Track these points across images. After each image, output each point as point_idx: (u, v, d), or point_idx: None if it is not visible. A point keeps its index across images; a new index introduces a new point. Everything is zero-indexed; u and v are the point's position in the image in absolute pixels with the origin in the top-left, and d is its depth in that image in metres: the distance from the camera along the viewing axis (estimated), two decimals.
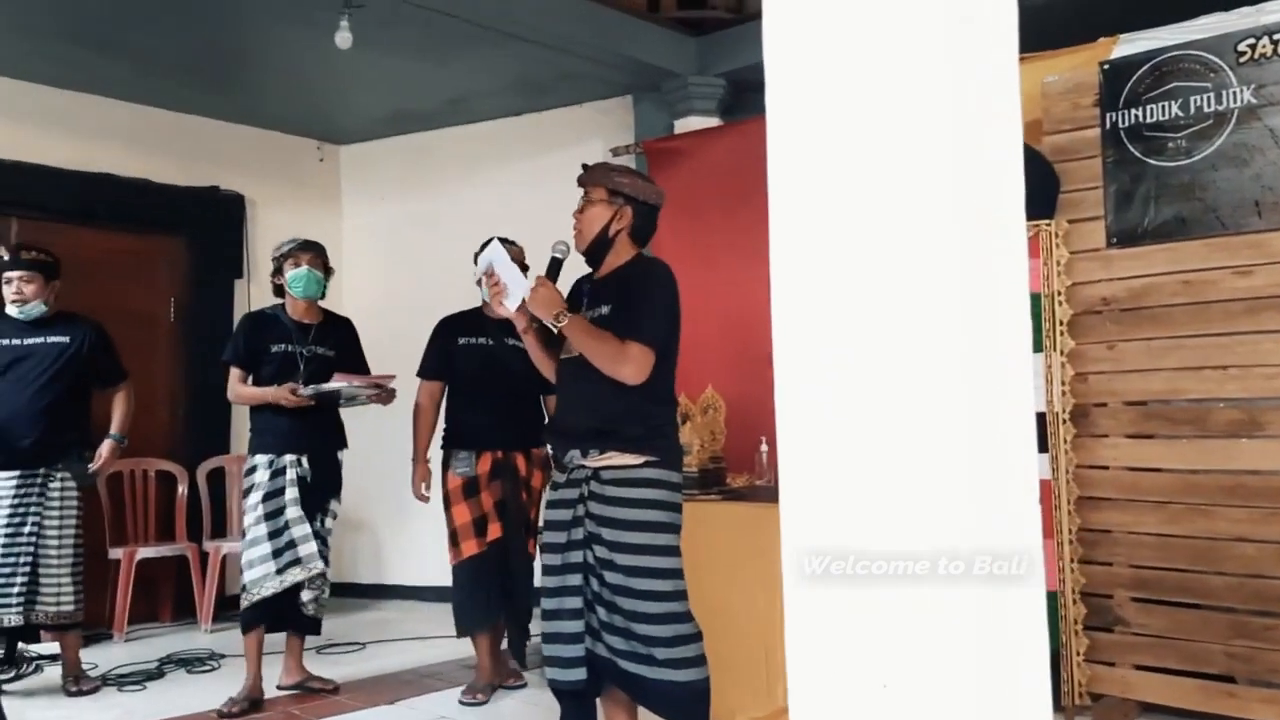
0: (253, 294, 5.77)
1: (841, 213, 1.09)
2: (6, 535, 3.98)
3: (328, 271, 4.08)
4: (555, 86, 5.55)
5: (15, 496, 4.01)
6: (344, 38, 4.33)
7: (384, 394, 3.99)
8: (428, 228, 6.17)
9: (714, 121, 5.36)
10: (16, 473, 4.03)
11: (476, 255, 3.78)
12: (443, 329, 4.11)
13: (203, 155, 5.91)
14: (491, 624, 3.99)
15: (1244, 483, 3.11)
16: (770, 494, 3.70)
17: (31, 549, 4.00)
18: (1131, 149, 3.34)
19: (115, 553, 5.19)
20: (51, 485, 4.10)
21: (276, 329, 4.00)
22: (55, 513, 4.09)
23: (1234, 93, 3.14)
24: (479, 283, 3.49)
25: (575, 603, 2.66)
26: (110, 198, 5.52)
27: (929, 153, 1.05)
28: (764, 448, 4.02)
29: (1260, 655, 3.05)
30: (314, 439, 3.97)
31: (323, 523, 3.99)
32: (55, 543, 4.07)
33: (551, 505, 2.80)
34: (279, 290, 4.06)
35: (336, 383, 3.86)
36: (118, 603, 5.12)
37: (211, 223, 5.94)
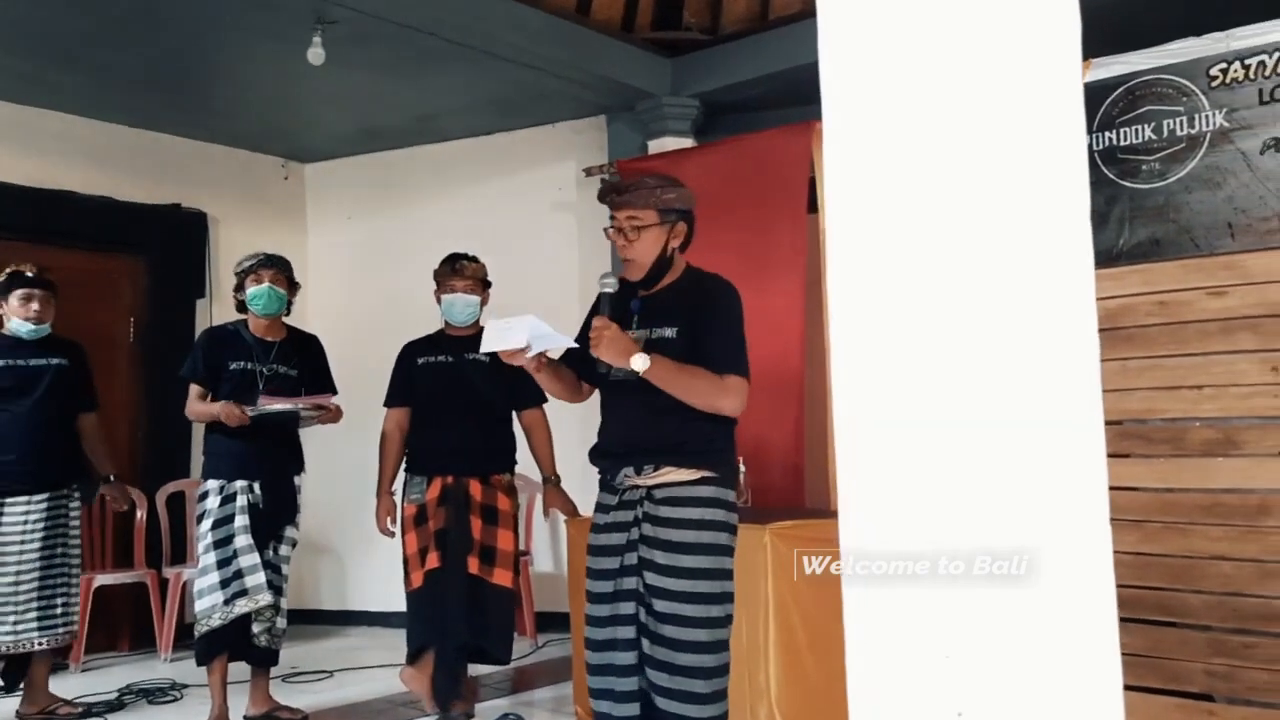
0: (215, 313, 5.66)
1: (899, 222, 1.07)
2: (43, 558, 3.99)
3: (293, 287, 3.99)
4: (528, 105, 5.53)
5: (48, 519, 4.02)
6: (316, 54, 4.28)
7: (329, 413, 3.88)
8: (396, 247, 6.10)
9: (688, 142, 5.37)
10: (46, 495, 4.03)
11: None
12: (404, 354, 4.01)
13: (165, 173, 5.81)
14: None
15: (1221, 501, 3.14)
16: (751, 515, 3.66)
17: (66, 570, 4.06)
18: (1106, 171, 3.38)
19: None
20: (71, 506, 4.14)
21: (237, 346, 3.90)
22: (75, 533, 4.14)
23: (1206, 116, 3.19)
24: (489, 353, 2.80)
25: (629, 633, 2.51)
26: (70, 216, 5.41)
27: (990, 161, 1.03)
28: (741, 468, 3.98)
29: (1239, 673, 3.07)
30: (267, 463, 3.85)
31: (276, 550, 3.87)
32: (76, 562, 4.15)
33: (602, 530, 2.64)
34: (241, 306, 3.96)
35: (267, 404, 3.74)
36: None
37: (174, 241, 5.83)
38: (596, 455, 2.70)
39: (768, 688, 3.28)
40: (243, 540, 3.74)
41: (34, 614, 3.93)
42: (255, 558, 3.74)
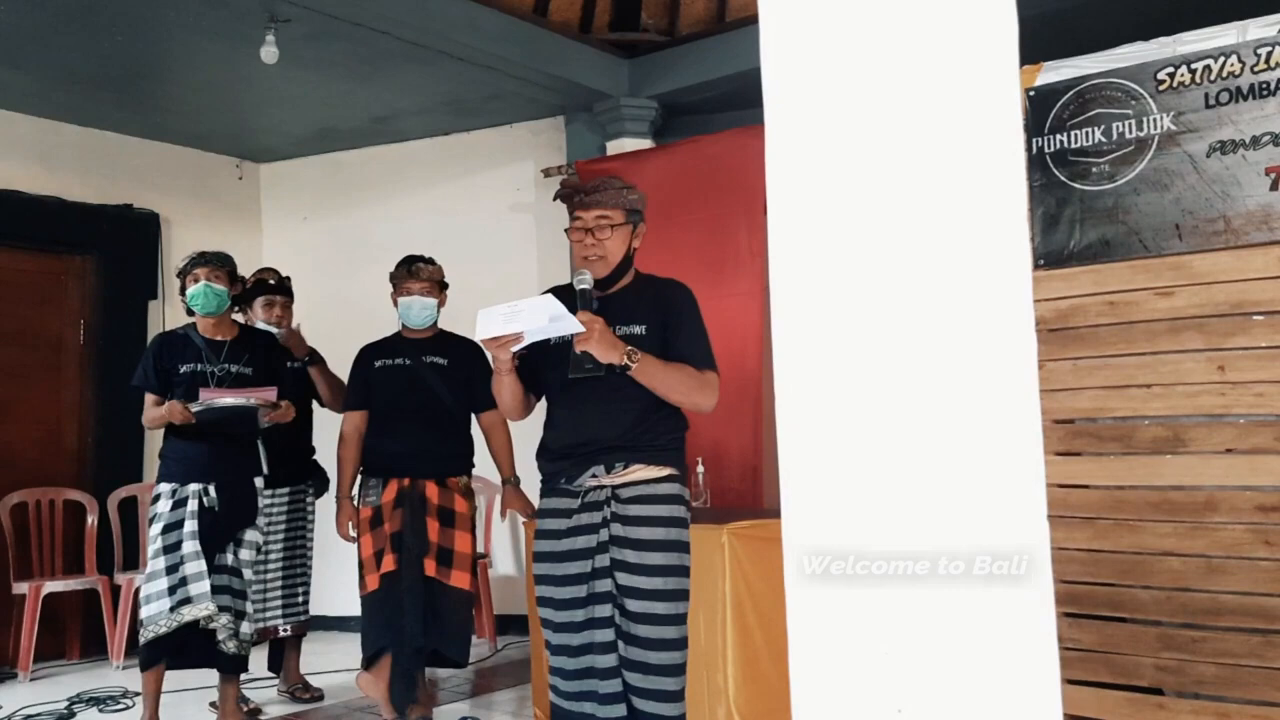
0: (168, 315, 5.58)
1: (841, 220, 1.08)
2: (286, 547, 4.40)
3: (236, 282, 3.94)
4: (485, 106, 5.50)
5: (290, 512, 4.42)
6: (270, 52, 4.23)
7: (280, 410, 3.78)
8: (352, 249, 6.05)
9: (646, 143, 5.38)
10: (287, 490, 4.41)
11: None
12: (361, 357, 3.97)
13: (116, 172, 5.72)
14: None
15: (1169, 498, 3.19)
16: (709, 515, 3.68)
17: (305, 559, 4.50)
18: (1057, 173, 3.42)
19: (20, 587, 4.94)
20: (308, 500, 4.51)
21: (187, 349, 3.83)
22: (312, 525, 4.54)
23: (1154, 119, 3.24)
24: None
25: (608, 635, 2.49)
26: (17, 215, 5.30)
27: (931, 162, 1.04)
28: (700, 469, 4.00)
29: (1188, 667, 3.12)
30: (224, 466, 3.79)
31: (236, 555, 3.80)
32: (311, 551, 4.57)
33: (565, 535, 2.57)
34: (190, 309, 3.89)
35: (210, 399, 3.65)
36: (23, 640, 4.87)
37: (125, 242, 5.74)
38: (552, 458, 2.65)
39: (726, 688, 3.29)
40: (190, 546, 3.67)
41: (279, 600, 4.35)
42: (201, 565, 3.66)
